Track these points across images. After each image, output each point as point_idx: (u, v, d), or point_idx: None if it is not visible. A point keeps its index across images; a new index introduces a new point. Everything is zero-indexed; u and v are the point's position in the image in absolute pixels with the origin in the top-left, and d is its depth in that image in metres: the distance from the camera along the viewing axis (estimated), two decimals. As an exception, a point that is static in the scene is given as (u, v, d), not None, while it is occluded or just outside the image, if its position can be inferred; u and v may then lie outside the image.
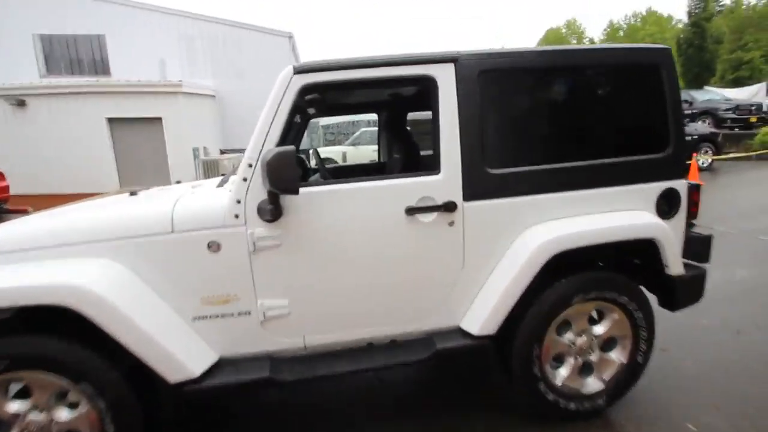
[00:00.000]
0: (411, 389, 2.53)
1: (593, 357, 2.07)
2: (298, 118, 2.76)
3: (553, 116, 2.05)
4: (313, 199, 1.79)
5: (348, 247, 1.83)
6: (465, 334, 1.94)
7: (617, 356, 2.09)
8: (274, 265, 1.79)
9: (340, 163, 10.12)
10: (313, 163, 3.65)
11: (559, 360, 2.05)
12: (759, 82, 19.56)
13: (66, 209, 2.26)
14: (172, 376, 1.64)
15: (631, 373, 2.10)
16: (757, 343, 2.76)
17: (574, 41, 48.09)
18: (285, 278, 1.81)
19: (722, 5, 31.88)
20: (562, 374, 2.04)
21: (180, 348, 1.66)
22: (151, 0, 13.59)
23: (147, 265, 1.72)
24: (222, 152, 12.48)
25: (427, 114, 1.98)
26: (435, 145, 1.88)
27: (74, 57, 13.68)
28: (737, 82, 23.80)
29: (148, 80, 11.83)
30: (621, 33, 45.33)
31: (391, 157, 3.05)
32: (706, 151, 9.76)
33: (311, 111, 2.65)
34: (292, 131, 2.71)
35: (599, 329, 2.05)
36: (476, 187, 1.88)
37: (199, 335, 1.76)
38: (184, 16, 13.70)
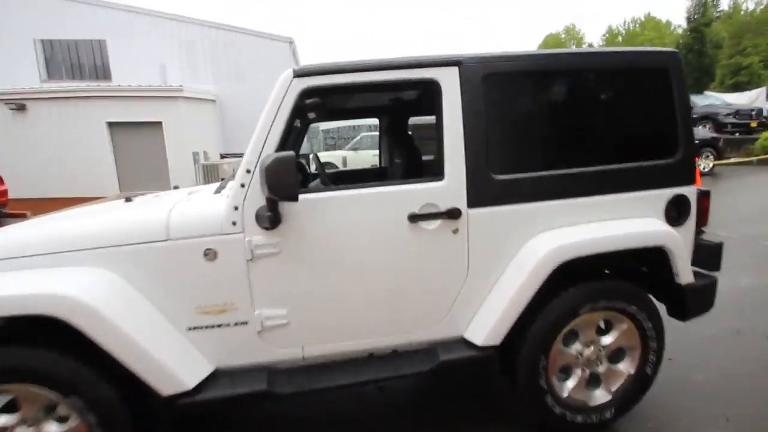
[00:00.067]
0: (411, 397, 2.49)
1: (601, 368, 2.01)
2: (297, 123, 2.72)
3: (559, 121, 2.00)
4: (313, 205, 1.74)
5: (349, 255, 1.78)
6: (469, 344, 1.88)
7: (626, 367, 2.03)
8: (272, 273, 1.73)
9: (341, 167, 10.09)
10: (313, 168, 3.62)
11: (565, 371, 2.00)
12: (758, 87, 19.63)
13: (60, 215, 2.21)
14: (165, 388, 1.59)
15: (639, 384, 2.04)
16: (766, 353, 2.70)
17: (573, 47, 48.35)
18: (284, 287, 1.75)
19: (720, 11, 32.09)
20: (568, 386, 1.98)
21: (173, 359, 1.61)
22: (151, 5, 13.65)
23: (141, 273, 1.66)
24: (222, 157, 12.46)
25: (428, 118, 1.93)
26: (438, 151, 1.84)
27: (75, 62, 13.70)
28: (736, 87, 23.87)
29: (149, 85, 11.84)
30: (620, 38, 45.57)
31: (393, 162, 3.01)
32: (708, 156, 9.77)
33: (311, 116, 2.61)
34: (292, 136, 2.67)
35: (607, 340, 2.00)
36: (481, 193, 1.83)
37: (194, 346, 1.71)
38: (185, 21, 13.74)
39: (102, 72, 13.63)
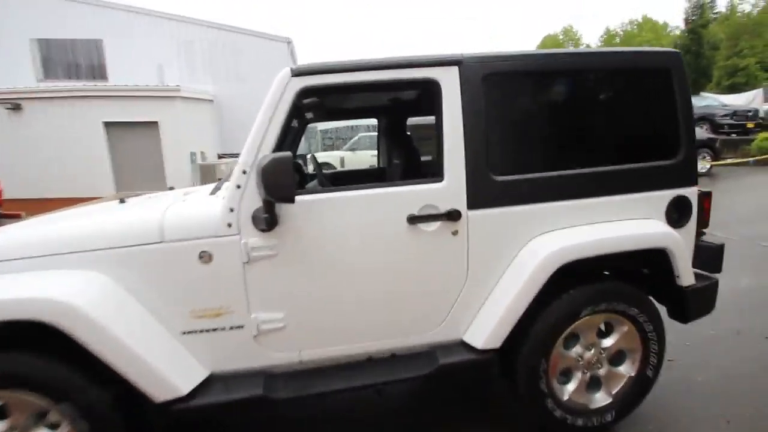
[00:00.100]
0: (409, 399, 2.46)
1: (602, 371, 1.99)
2: (295, 123, 2.69)
3: (560, 121, 1.98)
4: (310, 207, 1.71)
5: (347, 258, 1.75)
6: (468, 347, 1.86)
7: (626, 370, 2.02)
8: (269, 276, 1.70)
9: (339, 168, 10.06)
10: (310, 168, 3.59)
11: (566, 374, 1.98)
12: (754, 88, 19.72)
13: (53, 217, 2.18)
14: (159, 394, 1.55)
15: (640, 387, 2.03)
16: (766, 353, 2.69)
17: (571, 48, 48.50)
18: (280, 290, 1.72)
19: (717, 12, 32.22)
20: (569, 389, 1.96)
21: (167, 364, 1.57)
22: (149, 5, 13.59)
23: (134, 276, 1.63)
24: (220, 157, 12.41)
25: (427, 118, 1.91)
26: (438, 151, 1.81)
27: (72, 61, 13.61)
28: (733, 88, 23.97)
29: (146, 85, 11.78)
30: (617, 39, 45.73)
31: (391, 162, 2.98)
32: (705, 157, 9.82)
33: (309, 115, 2.58)
34: (289, 136, 2.64)
35: (608, 342, 1.98)
36: (481, 194, 1.81)
37: (189, 350, 1.67)
38: (183, 21, 13.67)
39: (99, 72, 13.55)
